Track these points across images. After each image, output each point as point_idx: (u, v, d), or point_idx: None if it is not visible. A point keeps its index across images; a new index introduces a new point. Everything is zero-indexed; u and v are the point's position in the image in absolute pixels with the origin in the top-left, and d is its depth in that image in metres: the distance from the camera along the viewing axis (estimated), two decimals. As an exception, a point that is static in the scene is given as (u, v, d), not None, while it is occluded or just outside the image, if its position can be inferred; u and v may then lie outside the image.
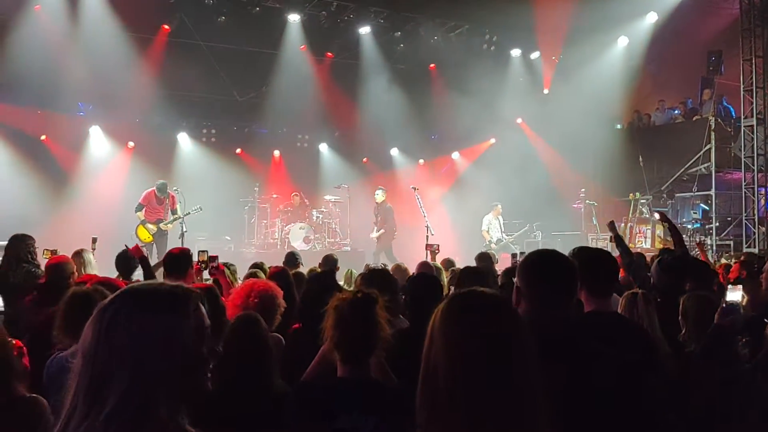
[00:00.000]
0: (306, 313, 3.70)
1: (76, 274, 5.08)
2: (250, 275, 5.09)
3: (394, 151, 17.54)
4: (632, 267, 5.67)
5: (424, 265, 5.86)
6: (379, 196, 13.02)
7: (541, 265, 2.36)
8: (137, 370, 1.35)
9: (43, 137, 13.54)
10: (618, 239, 5.83)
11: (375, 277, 3.96)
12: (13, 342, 2.96)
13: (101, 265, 6.10)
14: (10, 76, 11.72)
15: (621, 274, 4.82)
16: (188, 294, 1.46)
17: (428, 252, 8.19)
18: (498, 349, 1.57)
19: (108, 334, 1.37)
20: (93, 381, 1.37)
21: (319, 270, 6.64)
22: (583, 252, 2.98)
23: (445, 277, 6.30)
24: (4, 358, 2.18)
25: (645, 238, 13.63)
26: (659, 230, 13.21)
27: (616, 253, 5.92)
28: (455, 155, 17.87)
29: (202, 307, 1.46)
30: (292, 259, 7.04)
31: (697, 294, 3.75)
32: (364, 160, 17.07)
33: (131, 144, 14.46)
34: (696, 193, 14.12)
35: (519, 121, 16.84)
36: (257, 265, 5.94)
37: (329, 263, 6.92)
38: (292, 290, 4.07)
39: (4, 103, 13.03)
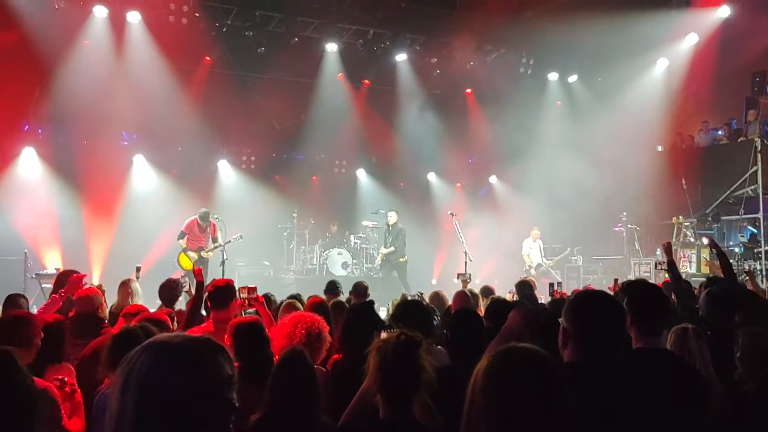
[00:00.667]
0: (347, 345, 3.69)
1: (106, 306, 5.17)
2: (288, 306, 5.10)
3: (431, 176, 17.55)
4: (681, 294, 5.54)
5: (461, 299, 5.75)
6: (392, 217, 13.24)
7: (589, 307, 2.32)
8: (149, 423, 1.38)
9: (88, 167, 13.86)
10: (671, 264, 5.70)
11: (409, 309, 3.93)
12: (66, 379, 3.01)
13: (144, 294, 6.20)
14: (59, 108, 12.09)
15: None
16: (206, 347, 1.48)
17: (460, 281, 8.12)
18: (539, 407, 1.57)
19: (127, 385, 1.41)
20: (115, 428, 1.41)
21: (353, 300, 6.64)
22: (635, 288, 2.93)
23: (482, 304, 6.24)
24: (28, 412, 2.09)
25: (690, 262, 13.25)
26: (705, 254, 12.82)
27: (659, 280, 5.79)
28: (493, 179, 17.77)
29: (222, 359, 1.48)
30: (333, 287, 7.05)
31: (752, 330, 3.60)
32: (401, 184, 17.10)
33: (173, 172, 14.76)
34: (743, 216, 13.70)
35: (557, 143, 16.65)
36: (294, 296, 5.97)
37: (359, 292, 6.89)
38: (330, 323, 4.07)
39: (52, 134, 13.46)
